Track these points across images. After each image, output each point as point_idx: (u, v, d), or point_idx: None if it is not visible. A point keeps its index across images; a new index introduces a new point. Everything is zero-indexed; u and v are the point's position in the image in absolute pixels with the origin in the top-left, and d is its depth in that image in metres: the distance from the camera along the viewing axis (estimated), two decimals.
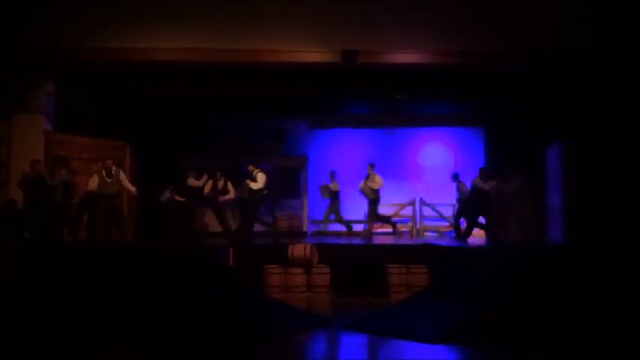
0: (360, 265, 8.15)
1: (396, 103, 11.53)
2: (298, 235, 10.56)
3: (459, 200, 10.37)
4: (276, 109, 12.17)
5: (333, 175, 10.74)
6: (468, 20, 9.14)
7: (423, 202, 12.27)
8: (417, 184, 12.71)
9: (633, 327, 5.15)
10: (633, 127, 9.02)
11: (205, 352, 5.03)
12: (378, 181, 10.15)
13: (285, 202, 12.09)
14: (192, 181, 10.20)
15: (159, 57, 9.09)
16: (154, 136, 11.71)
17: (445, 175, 11.81)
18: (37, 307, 5.69)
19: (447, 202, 11.86)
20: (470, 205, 9.91)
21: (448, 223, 11.87)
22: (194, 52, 9.08)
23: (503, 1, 9.20)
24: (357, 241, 9.83)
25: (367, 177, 10.23)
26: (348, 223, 10.84)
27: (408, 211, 12.56)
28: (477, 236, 10.35)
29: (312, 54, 9.17)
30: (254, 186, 9.84)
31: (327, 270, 8.11)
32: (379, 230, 12.55)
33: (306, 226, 12.95)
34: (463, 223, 10.26)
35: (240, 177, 10.46)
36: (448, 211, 11.99)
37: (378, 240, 10.22)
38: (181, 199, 10.18)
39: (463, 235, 9.97)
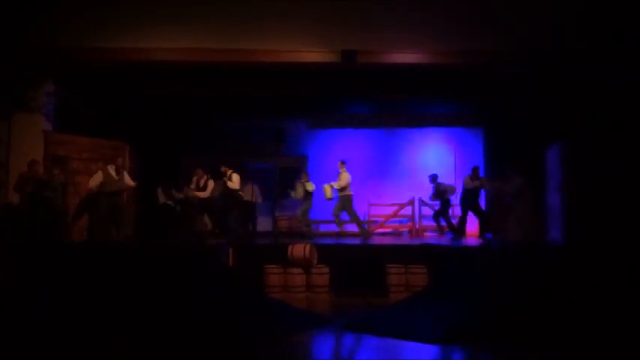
0: (359, 265, 8.16)
1: (396, 103, 11.54)
2: (298, 235, 10.54)
3: (432, 199, 10.96)
4: (276, 109, 12.17)
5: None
6: (468, 20, 9.14)
7: (422, 202, 12.26)
8: (416, 184, 12.70)
9: (633, 327, 5.15)
10: (633, 127, 9.02)
11: (205, 352, 5.03)
12: (344, 179, 10.13)
13: (285, 202, 12.06)
14: (194, 192, 10.24)
15: (159, 57, 9.09)
16: (154, 136, 11.72)
17: (445, 175, 11.81)
18: (37, 307, 5.69)
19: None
20: (461, 203, 10.23)
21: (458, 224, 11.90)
22: (194, 52, 9.07)
23: (503, 1, 9.19)
24: (355, 241, 9.83)
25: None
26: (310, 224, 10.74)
27: (407, 211, 12.57)
28: (473, 235, 10.43)
29: (312, 54, 9.17)
30: (231, 185, 9.92)
31: (327, 270, 8.12)
32: (379, 230, 12.60)
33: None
34: (443, 222, 10.82)
35: (241, 177, 10.51)
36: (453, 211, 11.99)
37: (378, 240, 10.22)
38: (172, 202, 10.28)
39: (457, 232, 10.21)
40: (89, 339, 5.21)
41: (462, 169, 12.23)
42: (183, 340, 5.20)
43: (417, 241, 10.12)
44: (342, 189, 10.15)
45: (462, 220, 10.29)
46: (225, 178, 10.08)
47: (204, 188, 10.19)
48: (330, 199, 10.27)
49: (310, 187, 10.44)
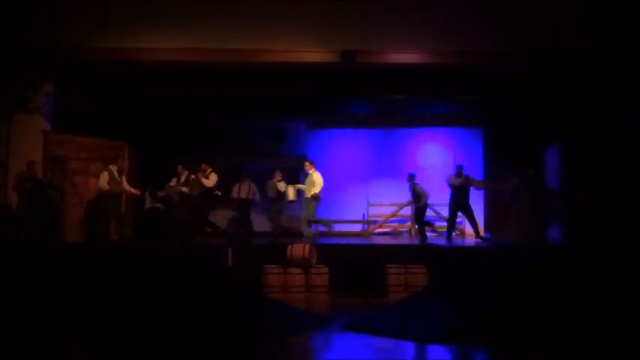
0: (358, 265, 8.16)
1: (395, 103, 11.52)
2: (297, 235, 10.54)
3: (413, 200, 10.62)
4: (275, 109, 12.17)
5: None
6: (468, 20, 9.14)
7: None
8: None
9: (633, 327, 5.15)
10: (633, 127, 9.03)
11: (205, 352, 5.03)
12: (317, 180, 9.97)
13: (284, 202, 12.04)
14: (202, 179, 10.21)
15: (159, 57, 9.09)
16: (154, 136, 11.71)
17: (445, 175, 11.80)
18: (37, 307, 5.70)
19: (445, 202, 11.83)
20: (450, 204, 10.21)
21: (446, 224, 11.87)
22: (194, 52, 9.07)
23: (503, 1, 9.19)
24: (355, 241, 9.83)
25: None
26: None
27: (407, 211, 12.56)
28: (468, 235, 10.42)
29: (312, 54, 9.17)
30: (205, 183, 9.97)
31: (326, 270, 8.12)
32: (378, 230, 12.59)
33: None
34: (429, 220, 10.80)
35: (240, 177, 10.50)
36: (447, 212, 11.97)
37: (377, 240, 10.22)
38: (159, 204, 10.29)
39: (424, 236, 10.10)
40: (89, 339, 5.22)
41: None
42: (183, 340, 5.20)
43: (416, 241, 10.12)
44: (315, 189, 9.98)
45: (451, 221, 10.21)
46: (199, 174, 10.07)
47: (186, 183, 10.10)
48: (293, 201, 10.28)
49: (282, 187, 10.41)
